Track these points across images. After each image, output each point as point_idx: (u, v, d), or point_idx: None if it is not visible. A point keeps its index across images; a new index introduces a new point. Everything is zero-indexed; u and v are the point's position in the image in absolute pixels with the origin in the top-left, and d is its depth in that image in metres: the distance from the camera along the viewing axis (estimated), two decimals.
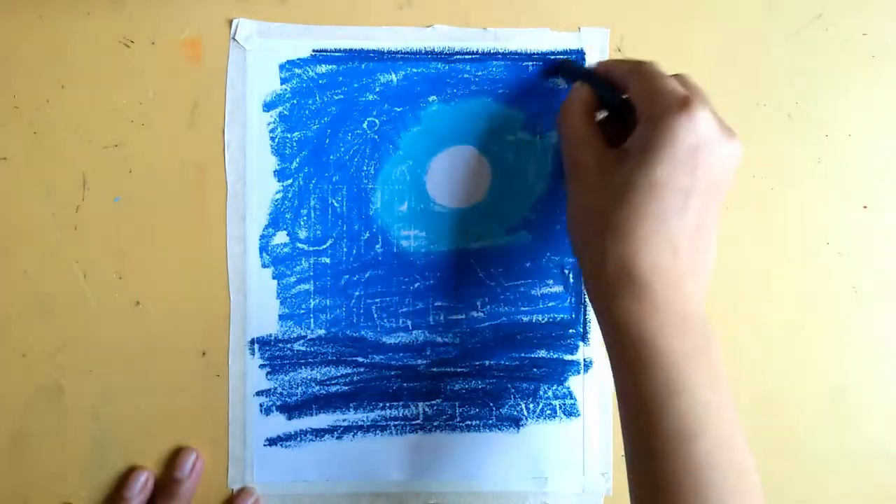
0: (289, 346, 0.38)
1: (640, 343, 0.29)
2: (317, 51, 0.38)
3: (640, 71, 0.33)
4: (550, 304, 0.39)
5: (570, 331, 0.39)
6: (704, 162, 0.30)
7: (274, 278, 0.38)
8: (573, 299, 0.39)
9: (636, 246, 0.29)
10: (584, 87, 0.35)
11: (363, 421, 0.39)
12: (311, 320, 0.38)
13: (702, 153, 0.30)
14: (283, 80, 0.38)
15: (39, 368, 0.37)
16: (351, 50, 0.38)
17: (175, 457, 0.37)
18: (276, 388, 0.38)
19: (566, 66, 0.38)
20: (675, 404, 0.29)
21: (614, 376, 0.31)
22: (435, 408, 0.39)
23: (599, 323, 0.32)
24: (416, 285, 0.39)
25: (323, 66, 0.38)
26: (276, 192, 0.38)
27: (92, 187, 0.37)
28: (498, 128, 0.39)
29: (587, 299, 0.39)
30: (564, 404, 0.39)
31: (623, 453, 0.39)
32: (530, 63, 0.39)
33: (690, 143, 0.29)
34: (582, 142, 0.33)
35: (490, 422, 0.39)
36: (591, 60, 0.39)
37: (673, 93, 0.30)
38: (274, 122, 0.38)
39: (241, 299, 0.38)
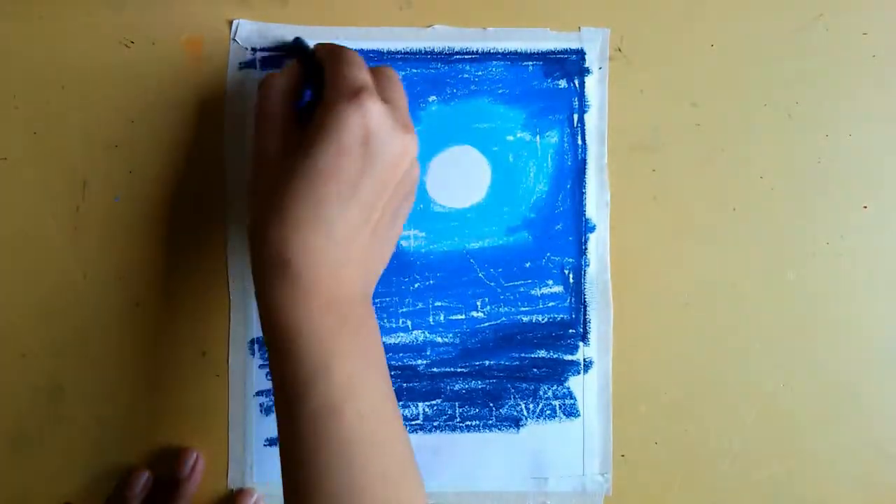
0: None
1: (285, 325, 0.30)
2: None
3: (334, 56, 0.32)
4: (550, 304, 0.39)
5: (570, 331, 0.39)
6: (374, 154, 0.30)
7: None
8: (573, 299, 0.39)
9: (289, 229, 0.29)
10: (295, 67, 0.34)
11: None
12: None
13: (371, 145, 0.30)
14: None
15: (39, 368, 0.37)
16: None
17: (175, 457, 0.37)
18: None
19: (295, 45, 0.37)
20: (318, 382, 0.29)
21: (269, 360, 0.31)
22: (435, 408, 0.39)
23: (258, 308, 0.31)
24: (415, 285, 0.39)
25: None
26: None
27: (92, 187, 0.37)
28: (498, 128, 0.39)
29: (586, 299, 0.39)
30: (564, 404, 0.39)
31: (623, 453, 0.39)
32: (530, 63, 0.39)
33: (358, 134, 0.29)
34: (272, 122, 0.33)
35: (490, 422, 0.39)
36: (591, 60, 0.39)
37: (350, 82, 0.30)
38: None
39: (241, 299, 0.38)
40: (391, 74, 0.33)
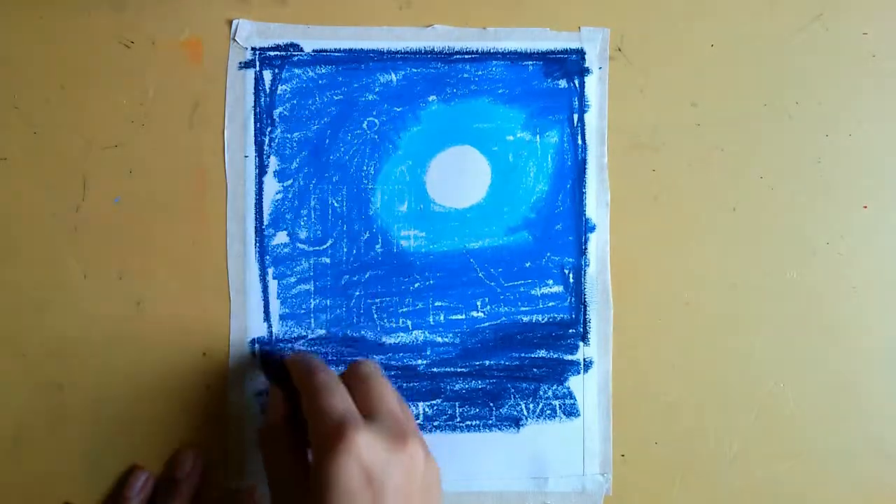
0: (289, 346, 0.38)
1: None
2: (317, 51, 0.38)
3: (304, 383, 0.32)
4: (550, 304, 0.39)
5: (570, 331, 0.39)
6: (383, 484, 0.29)
7: (274, 278, 0.38)
8: (573, 299, 0.39)
9: None
10: (278, 396, 0.34)
11: None
12: (312, 320, 0.38)
13: (375, 479, 0.29)
14: (283, 80, 0.38)
15: (39, 368, 0.37)
16: (351, 50, 0.38)
17: (175, 457, 0.37)
18: None
19: (265, 361, 0.37)
20: None
21: None
22: (435, 408, 0.39)
23: None
24: (415, 285, 0.39)
25: (323, 66, 0.38)
26: (276, 193, 0.38)
27: (92, 187, 0.37)
28: (498, 128, 0.39)
29: (586, 299, 0.39)
30: (564, 404, 0.39)
31: (623, 453, 0.39)
32: (530, 63, 0.39)
33: (358, 477, 0.28)
34: (276, 466, 0.32)
35: (490, 422, 0.39)
36: (591, 60, 0.39)
37: (329, 418, 0.30)
38: (274, 123, 0.38)
39: (240, 299, 0.38)
40: (367, 372, 0.33)
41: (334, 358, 0.38)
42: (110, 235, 0.37)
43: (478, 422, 0.39)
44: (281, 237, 0.38)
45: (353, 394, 0.32)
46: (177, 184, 0.38)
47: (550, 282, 0.39)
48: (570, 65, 0.39)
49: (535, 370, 0.39)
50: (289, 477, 0.31)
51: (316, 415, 0.30)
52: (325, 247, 0.38)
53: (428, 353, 0.39)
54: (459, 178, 0.39)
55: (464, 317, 0.39)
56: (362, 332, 0.39)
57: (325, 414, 0.30)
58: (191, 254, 0.38)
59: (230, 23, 0.38)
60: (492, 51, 0.39)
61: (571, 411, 0.39)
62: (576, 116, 0.39)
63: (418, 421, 0.39)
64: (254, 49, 0.38)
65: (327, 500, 0.28)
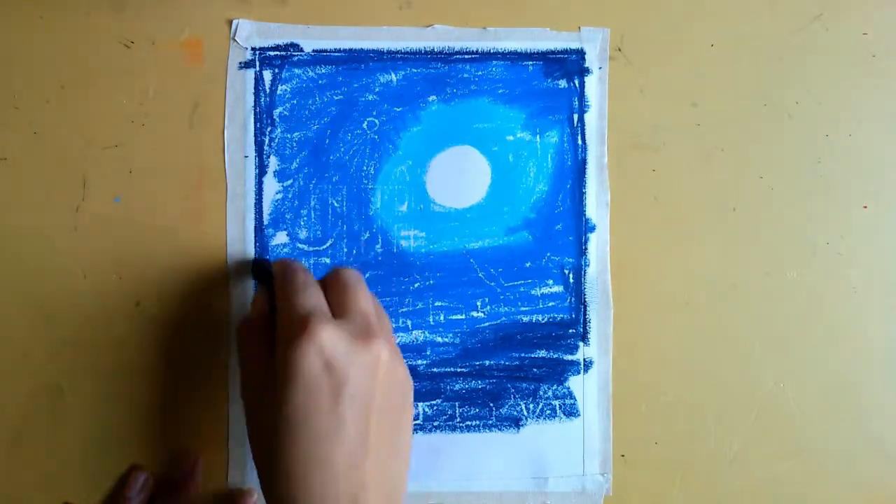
0: None
1: None
2: (317, 51, 0.38)
3: (281, 281, 0.32)
4: (550, 304, 0.39)
5: (570, 331, 0.39)
6: (342, 377, 0.29)
7: None
8: (573, 299, 0.39)
9: (292, 485, 0.28)
10: (262, 296, 0.34)
11: None
12: None
13: (335, 370, 0.29)
14: (283, 80, 0.38)
15: (39, 368, 0.37)
16: (351, 50, 0.38)
17: (175, 457, 0.37)
18: None
19: (256, 267, 0.37)
20: None
21: None
22: (435, 408, 0.39)
23: None
24: (415, 285, 0.39)
25: (323, 66, 0.38)
26: (276, 192, 0.38)
27: (92, 187, 0.37)
28: (498, 128, 0.39)
29: (586, 299, 0.39)
30: (564, 404, 0.39)
31: (623, 453, 0.39)
32: (530, 63, 0.39)
33: (318, 366, 0.29)
34: (249, 360, 0.32)
35: (490, 422, 0.39)
36: (591, 60, 0.39)
37: (296, 312, 0.30)
38: (274, 123, 0.38)
39: (241, 299, 0.38)
40: (345, 277, 0.32)
41: None
42: (110, 235, 0.37)
43: (478, 422, 0.39)
44: (281, 237, 0.38)
45: (329, 295, 0.32)
46: (177, 184, 0.38)
47: (550, 282, 0.39)
48: (570, 65, 0.39)
49: (535, 370, 0.39)
50: (258, 370, 0.31)
51: (285, 310, 0.31)
52: (325, 247, 0.38)
53: (428, 353, 0.39)
54: (459, 178, 0.39)
55: (464, 317, 0.39)
56: None
57: (293, 309, 0.30)
58: (191, 254, 0.38)
59: (230, 23, 0.38)
60: (492, 51, 0.39)
61: (571, 411, 0.39)
62: (576, 116, 0.39)
63: (418, 421, 0.39)
64: (254, 49, 0.38)
65: (288, 388, 0.29)
